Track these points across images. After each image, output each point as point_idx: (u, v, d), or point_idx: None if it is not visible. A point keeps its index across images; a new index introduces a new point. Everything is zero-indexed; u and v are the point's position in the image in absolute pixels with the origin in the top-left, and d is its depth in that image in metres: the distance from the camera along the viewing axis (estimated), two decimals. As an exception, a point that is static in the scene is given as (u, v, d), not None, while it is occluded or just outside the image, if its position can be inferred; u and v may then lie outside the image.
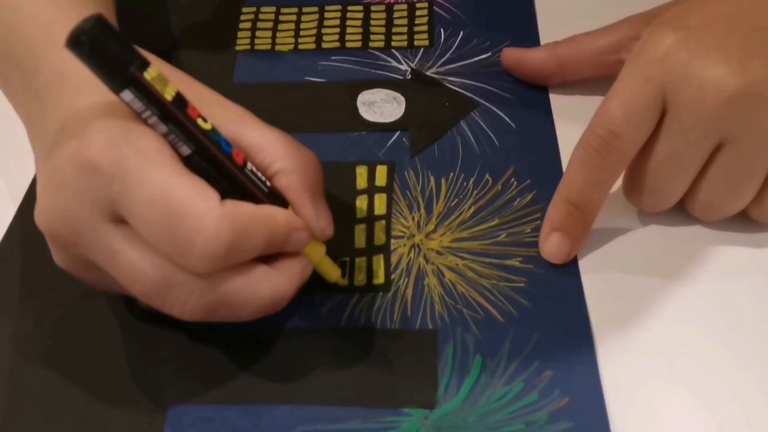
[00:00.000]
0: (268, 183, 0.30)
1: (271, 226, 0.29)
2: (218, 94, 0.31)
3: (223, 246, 0.27)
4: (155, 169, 0.27)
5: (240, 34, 0.46)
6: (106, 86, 0.27)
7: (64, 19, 0.32)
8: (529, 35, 0.45)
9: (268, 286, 0.29)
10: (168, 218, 0.26)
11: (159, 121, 0.27)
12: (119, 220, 0.28)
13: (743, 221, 0.35)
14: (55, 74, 0.31)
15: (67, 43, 0.26)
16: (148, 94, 0.27)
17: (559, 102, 0.41)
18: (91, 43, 0.26)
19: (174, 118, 0.27)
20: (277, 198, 0.30)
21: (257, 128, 0.31)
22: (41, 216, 0.28)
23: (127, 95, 0.27)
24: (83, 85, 0.30)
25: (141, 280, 0.28)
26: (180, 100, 0.28)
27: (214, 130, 0.29)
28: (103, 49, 0.26)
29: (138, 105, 0.27)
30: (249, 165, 0.29)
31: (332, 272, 0.33)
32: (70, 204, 0.27)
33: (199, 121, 0.28)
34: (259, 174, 0.30)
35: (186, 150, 0.28)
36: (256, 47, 0.46)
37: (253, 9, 0.48)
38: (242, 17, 0.47)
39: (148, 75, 0.27)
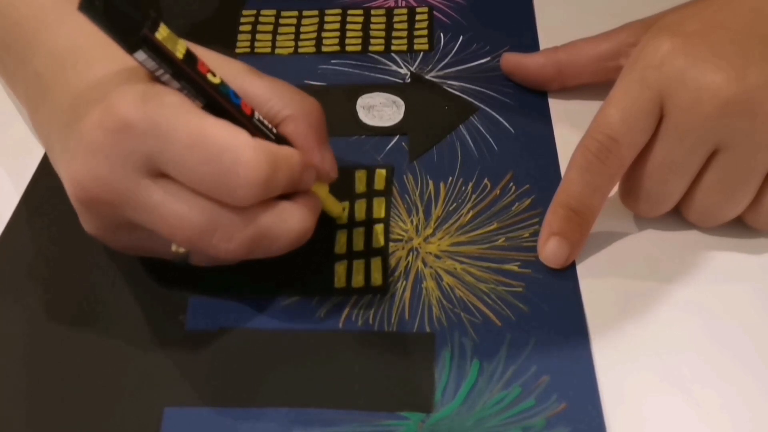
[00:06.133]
0: (274, 130, 0.31)
1: (293, 162, 0.30)
2: (221, 54, 0.33)
3: (263, 174, 0.28)
4: (184, 117, 0.28)
5: (240, 36, 0.47)
6: (120, 47, 0.27)
7: (58, 1, 0.34)
8: (528, 40, 0.45)
9: (296, 218, 0.30)
10: (209, 157, 0.28)
11: (172, 79, 0.29)
12: (156, 175, 0.29)
13: (739, 227, 0.35)
14: (55, 52, 0.33)
15: (80, 6, 0.26)
16: (161, 54, 0.28)
17: (558, 107, 0.42)
18: (104, 6, 0.27)
19: (186, 75, 0.29)
20: (283, 144, 0.31)
21: (263, 80, 0.32)
22: (76, 184, 0.29)
23: (141, 55, 0.28)
24: (94, 59, 0.31)
25: (185, 226, 0.29)
26: (190, 57, 0.29)
27: (223, 83, 0.30)
28: (115, 11, 0.27)
29: (151, 64, 0.28)
30: (256, 114, 0.31)
31: (335, 207, 0.35)
32: (106, 166, 0.28)
33: (209, 76, 0.29)
34: (266, 122, 0.31)
35: (198, 104, 0.29)
36: (256, 50, 0.46)
37: (254, 12, 0.48)
38: (242, 20, 0.48)
39: (160, 35, 0.28)
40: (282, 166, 0.29)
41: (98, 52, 0.31)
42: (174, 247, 0.31)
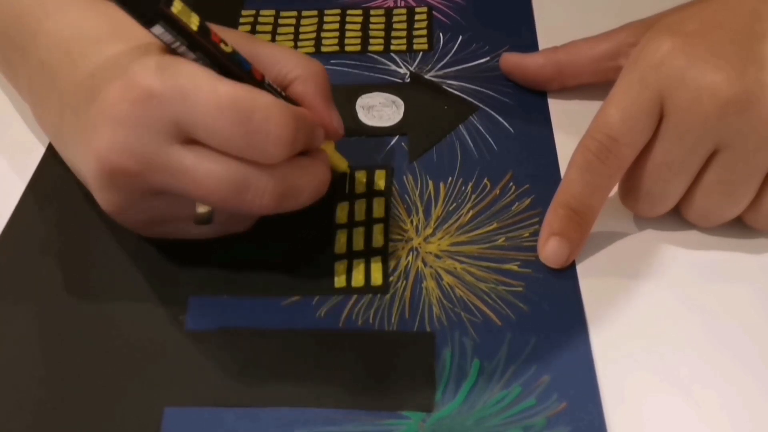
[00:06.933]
0: (283, 93, 0.33)
1: (309, 119, 0.32)
2: (222, 26, 0.33)
3: (292, 131, 0.29)
4: (209, 81, 0.29)
5: (239, 36, 0.47)
6: (137, 22, 0.28)
7: None
8: (527, 40, 0.45)
9: (315, 171, 0.32)
10: (239, 118, 0.29)
11: (188, 50, 0.30)
12: (185, 140, 0.29)
13: (739, 227, 0.35)
14: (60, 41, 0.33)
15: None
16: (177, 26, 0.29)
17: (557, 107, 0.42)
18: None
19: (201, 46, 0.30)
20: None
21: (269, 46, 0.34)
22: (102, 158, 0.30)
23: (158, 29, 0.29)
24: (103, 43, 0.32)
25: (220, 186, 0.29)
26: (203, 28, 0.30)
27: (234, 52, 0.31)
28: None
29: (168, 37, 0.29)
30: (267, 79, 0.32)
31: (342, 163, 0.37)
32: (134, 135, 0.29)
33: (222, 46, 0.30)
34: (275, 86, 0.33)
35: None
36: (255, 50, 0.46)
37: (253, 12, 0.48)
38: (241, 20, 0.48)
39: (175, 8, 0.29)
40: (302, 124, 0.30)
41: (105, 38, 0.32)
42: (198, 208, 0.32)
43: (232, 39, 0.32)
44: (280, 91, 0.33)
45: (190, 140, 0.29)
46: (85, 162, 0.31)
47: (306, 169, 0.31)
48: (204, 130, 0.29)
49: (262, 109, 0.29)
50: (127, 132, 0.29)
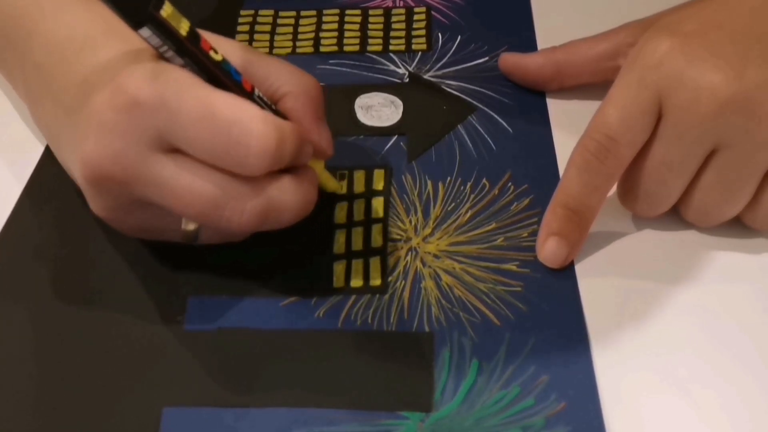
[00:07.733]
0: (273, 107, 0.32)
1: (296, 134, 0.31)
2: (220, 36, 0.33)
3: (273, 143, 0.29)
4: (193, 91, 0.29)
5: (238, 37, 0.46)
6: (126, 23, 0.28)
7: None
8: (526, 40, 0.45)
9: (301, 190, 0.31)
10: (220, 129, 0.28)
11: (175, 55, 0.29)
12: (168, 150, 0.29)
13: (738, 227, 0.35)
14: (56, 42, 0.33)
15: None
16: (165, 30, 0.29)
17: (556, 107, 0.42)
18: None
19: (189, 52, 0.29)
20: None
21: (262, 58, 0.33)
22: (88, 164, 0.29)
23: (146, 32, 0.28)
24: (98, 46, 0.32)
25: (198, 200, 0.29)
26: (193, 34, 0.30)
27: (224, 60, 0.31)
28: None
29: (155, 41, 0.29)
30: (257, 91, 0.32)
31: (331, 183, 0.36)
32: (119, 144, 0.29)
33: (211, 53, 0.30)
34: (266, 99, 0.32)
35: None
36: (254, 50, 0.46)
37: (251, 12, 0.48)
38: (240, 20, 0.48)
39: (165, 12, 0.28)
40: (288, 137, 0.30)
41: (101, 39, 0.32)
42: (184, 224, 0.31)
43: (227, 48, 0.31)
44: (270, 104, 0.32)
45: (174, 150, 0.29)
46: (75, 165, 0.31)
47: (290, 186, 0.31)
48: (185, 140, 0.29)
49: (244, 120, 0.28)
50: (111, 139, 0.29)
